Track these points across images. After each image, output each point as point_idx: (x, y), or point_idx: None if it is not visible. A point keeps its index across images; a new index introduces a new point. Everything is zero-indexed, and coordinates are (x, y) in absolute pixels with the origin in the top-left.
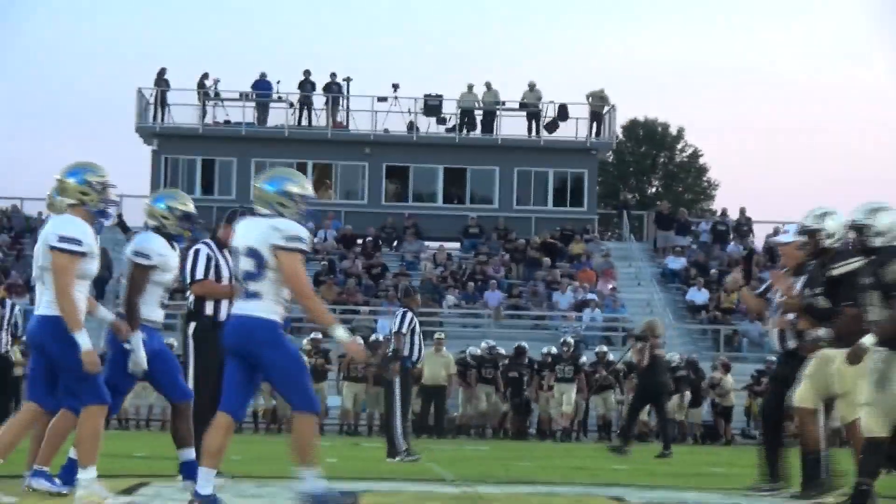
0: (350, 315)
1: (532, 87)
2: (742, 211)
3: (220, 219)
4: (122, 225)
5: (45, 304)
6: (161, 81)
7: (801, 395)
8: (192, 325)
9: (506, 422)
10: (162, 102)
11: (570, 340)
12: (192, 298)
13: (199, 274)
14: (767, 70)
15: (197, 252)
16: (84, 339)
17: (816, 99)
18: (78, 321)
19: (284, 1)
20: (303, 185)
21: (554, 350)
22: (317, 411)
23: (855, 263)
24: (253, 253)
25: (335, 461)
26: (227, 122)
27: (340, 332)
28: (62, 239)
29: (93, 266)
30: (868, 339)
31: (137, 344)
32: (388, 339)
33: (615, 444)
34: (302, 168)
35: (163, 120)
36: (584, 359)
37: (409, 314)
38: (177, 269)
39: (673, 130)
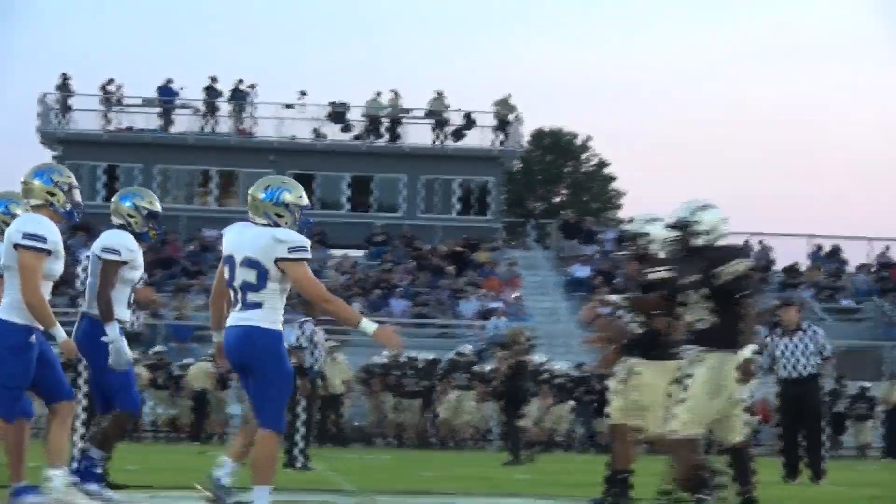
0: None
1: (438, 94)
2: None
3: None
4: None
5: (3, 306)
6: (64, 87)
7: (616, 411)
8: None
9: (405, 430)
10: (65, 108)
11: (466, 348)
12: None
13: None
14: (675, 78)
15: (88, 258)
16: (59, 332)
17: (724, 108)
18: (50, 317)
19: (189, 6)
20: (298, 194)
21: (451, 356)
22: (282, 432)
23: (667, 272)
24: (254, 264)
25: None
26: (131, 129)
27: (368, 325)
28: (27, 236)
29: (57, 266)
30: (748, 351)
31: (116, 335)
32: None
33: (508, 458)
34: (206, 175)
35: (66, 126)
36: (485, 367)
37: (310, 324)
38: (142, 267)
39: (580, 139)
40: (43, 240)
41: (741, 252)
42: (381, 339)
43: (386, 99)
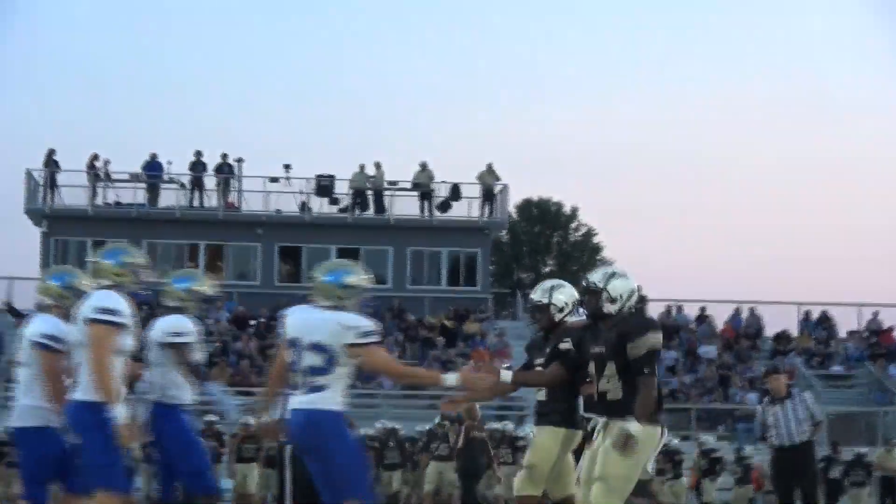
0: (244, 397)
1: (424, 166)
2: (637, 289)
3: None
4: (11, 310)
5: (81, 388)
6: (50, 162)
7: (522, 483)
8: None
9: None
10: (51, 184)
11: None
12: None
13: None
14: (660, 147)
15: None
16: (119, 412)
17: (709, 176)
18: (111, 392)
19: (174, 81)
20: (360, 277)
21: (430, 427)
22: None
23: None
24: (322, 349)
25: None
26: (117, 204)
27: (451, 378)
28: (98, 310)
29: (129, 341)
30: (634, 427)
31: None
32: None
33: None
34: (194, 249)
35: (52, 201)
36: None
37: None
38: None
39: (567, 209)
40: (115, 313)
41: (656, 324)
42: (469, 385)
43: (371, 171)
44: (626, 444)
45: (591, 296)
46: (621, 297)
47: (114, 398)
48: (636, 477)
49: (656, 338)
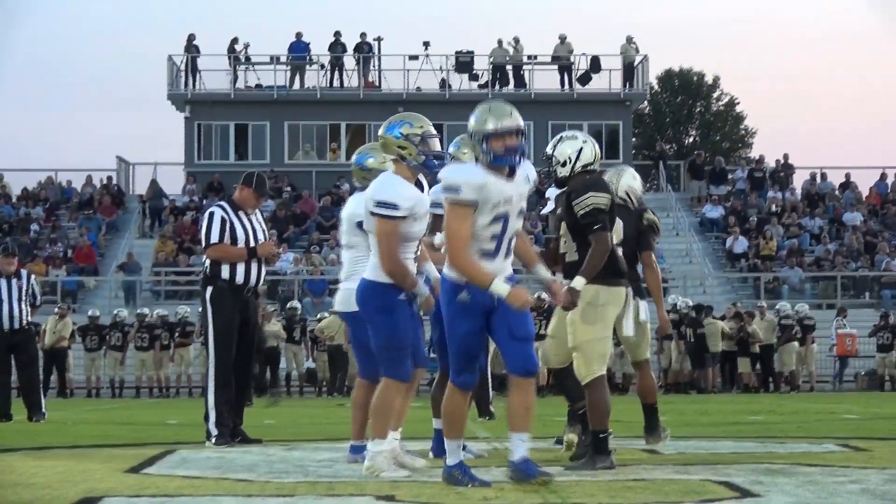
0: None
1: (563, 39)
2: (785, 157)
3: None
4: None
5: (369, 267)
6: (191, 48)
7: (545, 354)
8: (210, 289)
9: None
10: (193, 69)
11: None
12: (207, 263)
13: (214, 237)
14: (802, 14)
15: (211, 215)
16: (421, 289)
17: (853, 43)
18: (410, 280)
19: None
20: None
21: None
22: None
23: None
24: (523, 213)
25: None
26: (258, 87)
27: (500, 289)
28: (378, 204)
29: (415, 227)
30: (578, 282)
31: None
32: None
33: None
34: (336, 129)
35: (194, 86)
36: None
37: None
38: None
39: (708, 79)
40: (394, 207)
41: (599, 185)
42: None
43: (509, 47)
44: (569, 300)
45: (547, 163)
46: (570, 158)
47: (410, 285)
48: (607, 336)
49: (598, 197)
